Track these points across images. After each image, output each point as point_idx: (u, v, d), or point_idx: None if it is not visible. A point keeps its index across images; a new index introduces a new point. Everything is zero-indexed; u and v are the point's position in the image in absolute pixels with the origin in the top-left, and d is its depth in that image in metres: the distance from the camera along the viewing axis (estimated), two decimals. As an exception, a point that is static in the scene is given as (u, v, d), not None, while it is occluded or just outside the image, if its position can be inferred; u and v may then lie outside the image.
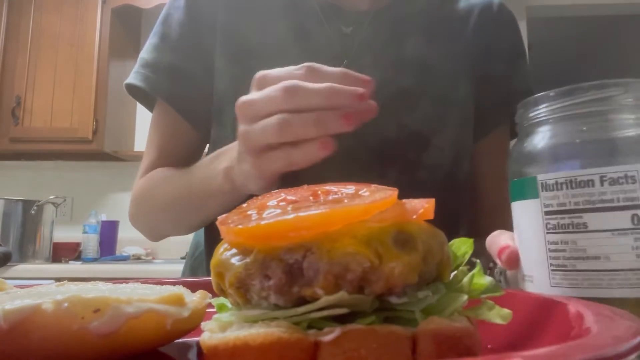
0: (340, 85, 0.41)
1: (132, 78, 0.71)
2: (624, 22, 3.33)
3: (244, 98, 0.45)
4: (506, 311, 0.23)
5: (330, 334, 0.20)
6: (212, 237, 0.72)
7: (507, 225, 0.54)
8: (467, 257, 0.26)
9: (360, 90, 0.41)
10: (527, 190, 0.35)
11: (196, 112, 0.71)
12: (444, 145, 0.65)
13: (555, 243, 0.33)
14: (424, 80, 0.66)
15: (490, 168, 0.73)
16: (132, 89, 0.73)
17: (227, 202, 0.59)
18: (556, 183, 0.33)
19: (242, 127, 0.45)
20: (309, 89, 0.41)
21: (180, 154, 0.73)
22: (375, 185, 0.25)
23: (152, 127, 0.75)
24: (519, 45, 0.76)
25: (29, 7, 2.62)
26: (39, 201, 2.33)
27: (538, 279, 0.34)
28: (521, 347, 0.25)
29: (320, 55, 0.64)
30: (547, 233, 0.33)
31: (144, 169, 0.73)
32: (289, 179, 0.49)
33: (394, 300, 0.21)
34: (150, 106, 0.76)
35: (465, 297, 0.23)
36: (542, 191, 0.33)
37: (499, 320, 0.23)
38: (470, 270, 0.25)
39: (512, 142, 0.51)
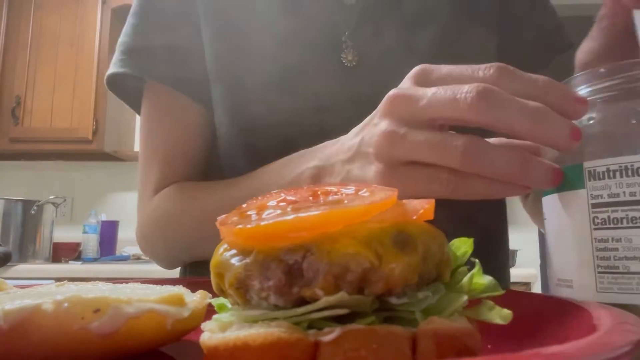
0: (554, 102, 0.30)
1: (118, 67, 0.61)
2: (624, 22, 3.32)
3: (404, 90, 0.34)
4: (506, 311, 0.23)
5: (330, 334, 0.20)
6: None
7: None
8: (467, 257, 0.26)
9: (578, 116, 0.31)
10: (569, 180, 0.30)
11: (205, 92, 0.61)
12: None
13: (605, 240, 0.28)
14: (432, 36, 0.60)
15: None
16: (115, 82, 0.63)
17: None
18: (607, 171, 0.28)
19: (388, 127, 0.34)
20: (517, 104, 0.30)
21: (196, 151, 0.62)
22: (375, 185, 0.25)
23: (148, 131, 0.64)
24: None
25: (29, 7, 2.62)
26: (39, 201, 2.33)
27: (580, 283, 0.30)
28: (521, 347, 0.25)
29: (316, 27, 0.60)
30: (595, 229, 0.29)
31: (154, 184, 0.62)
32: None
33: (394, 300, 0.21)
34: (133, 102, 0.66)
35: (465, 297, 0.23)
36: (590, 180, 0.29)
37: (499, 320, 0.23)
38: (470, 269, 0.25)
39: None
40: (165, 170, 0.62)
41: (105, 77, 0.63)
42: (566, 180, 0.31)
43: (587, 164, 0.29)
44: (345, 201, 0.23)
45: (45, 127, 2.53)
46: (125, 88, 0.65)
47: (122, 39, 0.63)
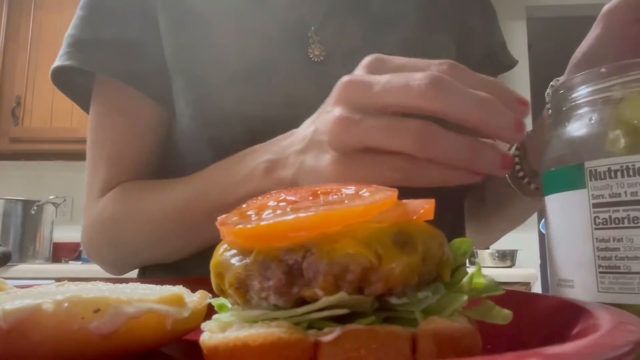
0: (500, 97, 0.32)
1: (64, 60, 0.57)
2: (624, 22, 3.32)
3: (357, 77, 0.34)
4: (506, 311, 0.23)
5: (330, 334, 0.20)
6: None
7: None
8: (467, 257, 0.26)
9: (520, 116, 0.32)
10: (570, 179, 0.30)
11: (159, 87, 0.58)
12: None
13: (606, 240, 0.28)
14: (398, 39, 0.61)
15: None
16: (61, 77, 0.59)
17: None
18: (609, 170, 0.28)
19: (342, 112, 0.34)
20: (466, 93, 0.31)
21: (147, 150, 0.59)
22: (376, 185, 0.25)
23: (95, 128, 0.61)
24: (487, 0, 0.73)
25: (29, 7, 2.62)
26: (39, 201, 2.33)
27: (581, 283, 0.30)
28: (521, 347, 0.25)
29: (282, 21, 0.59)
30: (596, 229, 0.29)
31: (100, 185, 0.59)
32: None
33: (393, 300, 0.21)
34: (81, 99, 0.63)
35: (465, 297, 0.23)
36: (591, 180, 0.29)
37: (499, 320, 0.23)
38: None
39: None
40: (113, 171, 0.59)
41: (50, 72, 0.59)
42: (567, 180, 0.31)
43: (588, 164, 0.29)
44: (345, 201, 0.23)
45: (45, 127, 2.53)
46: (73, 84, 0.62)
47: (69, 31, 0.59)
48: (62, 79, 0.60)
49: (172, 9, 0.58)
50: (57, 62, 0.57)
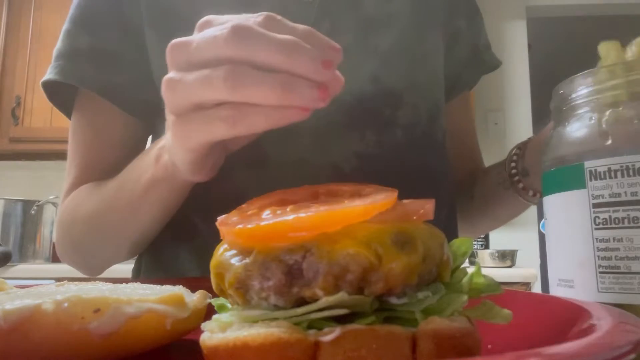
0: (309, 42, 0.33)
1: (49, 74, 0.58)
2: (624, 22, 3.33)
3: (178, 39, 0.35)
4: (506, 311, 0.23)
5: (330, 334, 0.20)
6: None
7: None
8: (467, 257, 0.26)
9: (329, 57, 0.33)
10: (570, 180, 0.30)
11: (135, 101, 0.59)
12: (418, 102, 0.61)
13: (606, 240, 0.28)
14: (390, 38, 0.61)
15: (458, 130, 0.74)
16: (49, 90, 0.60)
17: (164, 199, 0.48)
18: (609, 170, 0.28)
19: (168, 75, 0.35)
20: (267, 36, 0.32)
21: (114, 161, 0.59)
22: (376, 185, 0.25)
23: (73, 137, 0.61)
24: (473, 1, 0.75)
25: (29, 7, 2.62)
26: (39, 201, 2.33)
27: (581, 283, 0.30)
28: (521, 347, 0.25)
29: None
30: (596, 229, 0.29)
31: (66, 188, 0.61)
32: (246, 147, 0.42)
33: (393, 300, 0.21)
34: (67, 109, 0.63)
35: (465, 297, 0.23)
36: (590, 180, 0.29)
37: (499, 320, 0.23)
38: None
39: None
40: (79, 177, 0.60)
41: (40, 85, 0.60)
42: (567, 180, 0.31)
43: (588, 164, 0.29)
44: (345, 201, 0.23)
45: (45, 127, 2.52)
46: (63, 97, 0.62)
47: (56, 45, 0.60)
48: (50, 91, 0.61)
49: (160, 21, 0.58)
50: (45, 76, 0.59)
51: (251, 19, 0.34)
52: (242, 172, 0.55)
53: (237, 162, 0.53)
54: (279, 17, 0.34)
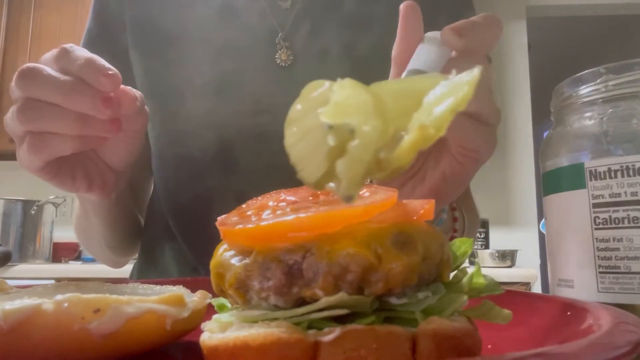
0: (86, 77, 0.36)
1: None
2: (624, 22, 3.33)
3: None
4: (506, 311, 0.23)
5: (330, 334, 0.20)
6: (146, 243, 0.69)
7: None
8: (467, 257, 0.26)
9: (105, 96, 0.36)
10: (570, 180, 0.30)
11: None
12: None
13: (606, 240, 0.28)
14: (372, 39, 0.62)
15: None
16: None
17: (97, 213, 0.56)
18: (609, 170, 0.28)
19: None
20: (47, 78, 0.36)
21: None
22: (376, 185, 0.25)
23: None
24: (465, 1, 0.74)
25: (29, 7, 2.62)
26: (39, 201, 2.33)
27: (581, 283, 0.30)
28: (521, 347, 0.25)
29: (252, 32, 0.61)
30: (596, 229, 0.29)
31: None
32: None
33: (393, 300, 0.21)
34: None
35: (465, 297, 0.23)
36: (590, 180, 0.29)
37: (499, 320, 0.23)
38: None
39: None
40: None
41: None
42: (567, 180, 0.31)
43: (588, 164, 0.29)
44: (345, 201, 0.23)
45: (45, 127, 2.53)
46: None
47: None
48: None
49: (143, 40, 0.63)
50: None
51: (51, 55, 0.38)
52: (213, 177, 0.58)
53: (207, 168, 0.56)
54: (69, 47, 0.38)
